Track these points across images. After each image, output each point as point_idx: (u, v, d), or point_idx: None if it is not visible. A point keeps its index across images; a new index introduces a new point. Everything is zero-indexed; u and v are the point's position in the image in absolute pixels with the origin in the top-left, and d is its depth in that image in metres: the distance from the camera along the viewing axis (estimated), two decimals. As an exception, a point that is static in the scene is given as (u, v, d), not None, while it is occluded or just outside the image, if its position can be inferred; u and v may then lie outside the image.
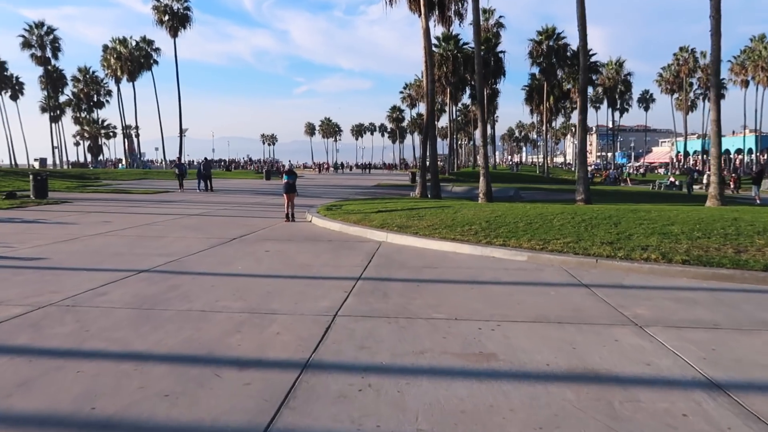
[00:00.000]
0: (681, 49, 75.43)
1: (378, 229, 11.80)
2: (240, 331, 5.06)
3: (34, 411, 3.41)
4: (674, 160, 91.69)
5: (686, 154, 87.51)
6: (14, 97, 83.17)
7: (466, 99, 73.63)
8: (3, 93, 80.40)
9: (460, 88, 61.21)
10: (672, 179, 45.69)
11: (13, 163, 79.76)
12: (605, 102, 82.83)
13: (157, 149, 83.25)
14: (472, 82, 57.75)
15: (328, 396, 3.68)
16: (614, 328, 5.32)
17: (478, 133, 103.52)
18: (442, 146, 71.67)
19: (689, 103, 79.63)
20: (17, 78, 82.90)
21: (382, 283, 7.24)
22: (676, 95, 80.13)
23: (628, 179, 57.36)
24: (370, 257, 9.18)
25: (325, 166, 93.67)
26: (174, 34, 63.47)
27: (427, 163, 23.72)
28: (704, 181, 42.85)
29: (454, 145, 75.25)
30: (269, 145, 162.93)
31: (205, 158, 33.23)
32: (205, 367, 4.15)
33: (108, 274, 7.41)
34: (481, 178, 20.02)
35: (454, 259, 9.15)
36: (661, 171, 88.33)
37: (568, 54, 56.59)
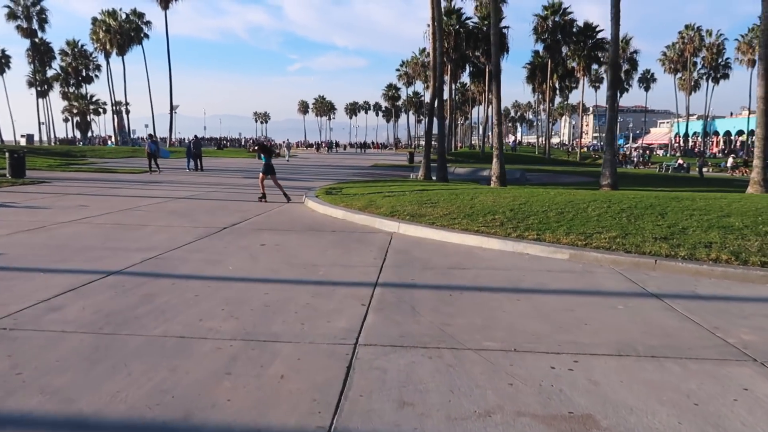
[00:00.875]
0: (686, 27, 73.54)
1: (387, 218, 10.44)
2: (230, 372, 3.70)
3: None
4: (673, 142, 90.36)
5: (686, 135, 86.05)
6: (0, 72, 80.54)
7: (465, 78, 71.78)
8: (-12, 67, 77.86)
9: (461, 65, 59.33)
10: (680, 161, 44.35)
11: (-2, 139, 77.52)
12: (604, 82, 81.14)
13: (147, 126, 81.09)
14: (473, 59, 55.98)
15: None
16: (729, 366, 4.00)
17: (476, 113, 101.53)
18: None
19: (692, 83, 78.00)
20: (3, 51, 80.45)
21: (407, 291, 5.90)
22: (679, 75, 78.46)
23: (649, 162, 55.37)
24: (384, 253, 7.83)
25: (324, 145, 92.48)
26: (165, 5, 61.28)
27: (433, 142, 22.20)
28: (729, 163, 41.84)
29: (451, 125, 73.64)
30: (262, 123, 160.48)
31: (195, 136, 31.53)
32: (177, 447, 2.80)
33: (69, 278, 6.02)
34: (494, 160, 18.53)
35: (482, 256, 7.81)
36: (660, 153, 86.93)
37: (574, 30, 54.75)
